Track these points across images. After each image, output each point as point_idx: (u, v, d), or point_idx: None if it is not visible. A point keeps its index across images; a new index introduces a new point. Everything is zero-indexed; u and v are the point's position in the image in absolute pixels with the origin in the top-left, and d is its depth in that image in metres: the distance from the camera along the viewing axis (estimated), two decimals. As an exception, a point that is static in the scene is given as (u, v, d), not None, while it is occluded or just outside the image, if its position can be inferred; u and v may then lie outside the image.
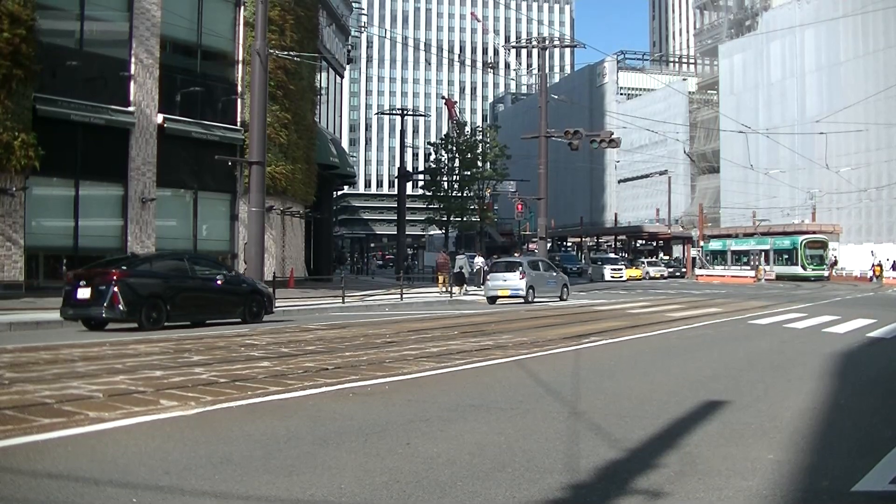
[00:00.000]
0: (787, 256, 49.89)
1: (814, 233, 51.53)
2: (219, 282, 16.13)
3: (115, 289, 13.80)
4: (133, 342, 11.31)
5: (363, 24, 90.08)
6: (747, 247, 54.26)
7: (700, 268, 57.26)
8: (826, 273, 49.03)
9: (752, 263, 51.88)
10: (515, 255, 37.53)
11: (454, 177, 54.82)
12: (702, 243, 58.68)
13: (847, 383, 8.44)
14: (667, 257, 64.73)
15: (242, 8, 26.45)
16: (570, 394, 7.46)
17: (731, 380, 8.56)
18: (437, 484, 4.47)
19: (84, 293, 14.05)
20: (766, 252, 51.48)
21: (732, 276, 52.24)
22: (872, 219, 53.26)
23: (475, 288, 32.83)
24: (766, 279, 49.89)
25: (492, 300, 25.18)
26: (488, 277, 26.56)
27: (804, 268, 48.67)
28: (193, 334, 12.83)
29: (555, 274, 27.38)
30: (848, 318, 16.77)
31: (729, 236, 57.94)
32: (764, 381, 8.44)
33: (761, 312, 19.08)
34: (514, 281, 24.88)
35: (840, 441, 5.75)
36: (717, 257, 56.81)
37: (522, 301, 24.42)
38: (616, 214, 79.71)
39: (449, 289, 28.11)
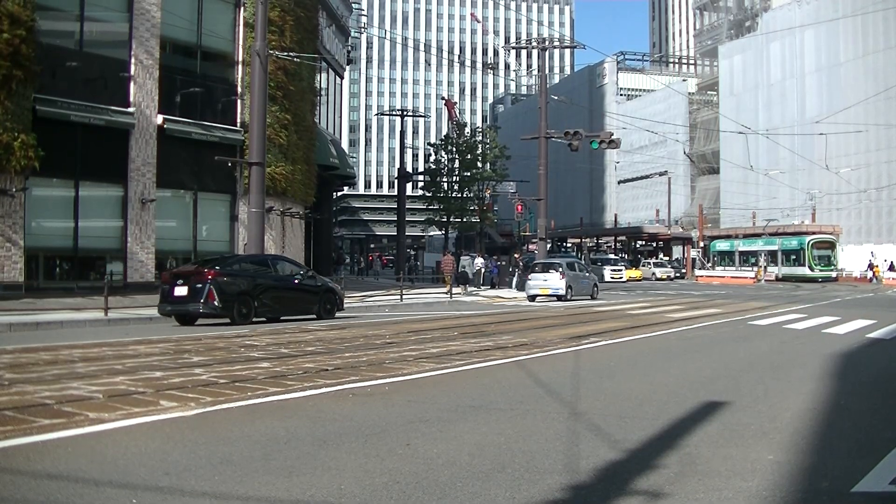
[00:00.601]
0: (794, 257, 49.33)
1: (817, 233, 51.31)
2: (296, 281, 17.73)
3: (211, 287, 15.36)
4: (133, 343, 11.32)
5: (363, 25, 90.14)
6: (755, 247, 53.69)
7: (700, 268, 57.19)
8: (834, 274, 48.27)
9: (760, 264, 51.40)
10: (544, 256, 39.35)
11: (454, 177, 54.78)
12: (702, 243, 58.66)
13: (847, 384, 8.44)
14: (666, 258, 64.65)
15: (242, 9, 26.45)
16: (569, 394, 7.46)
17: (730, 380, 8.57)
18: (437, 485, 4.47)
19: (181, 291, 15.59)
20: (774, 252, 51.01)
21: (732, 277, 52.21)
22: (872, 220, 53.23)
23: (474, 288, 32.88)
24: (765, 280, 49.88)
25: (532, 298, 26.59)
26: (529, 277, 27.53)
27: (811, 268, 47.95)
28: (193, 335, 12.84)
29: (587, 274, 29.03)
30: (848, 319, 16.77)
31: (735, 237, 57.31)
32: (764, 381, 8.44)
33: (761, 313, 19.08)
34: (554, 281, 26.29)
35: (840, 442, 5.75)
36: (725, 258, 56.28)
37: (560, 300, 25.97)
38: (616, 215, 79.71)
39: (449, 289, 28.20)
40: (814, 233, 51.11)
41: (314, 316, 17.35)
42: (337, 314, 17.86)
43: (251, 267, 17.39)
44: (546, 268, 27.06)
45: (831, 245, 49.32)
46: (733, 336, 13.78)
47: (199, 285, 15.43)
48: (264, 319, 16.34)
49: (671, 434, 5.84)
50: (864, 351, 11.67)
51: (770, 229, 54.57)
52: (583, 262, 31.88)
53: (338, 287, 19.42)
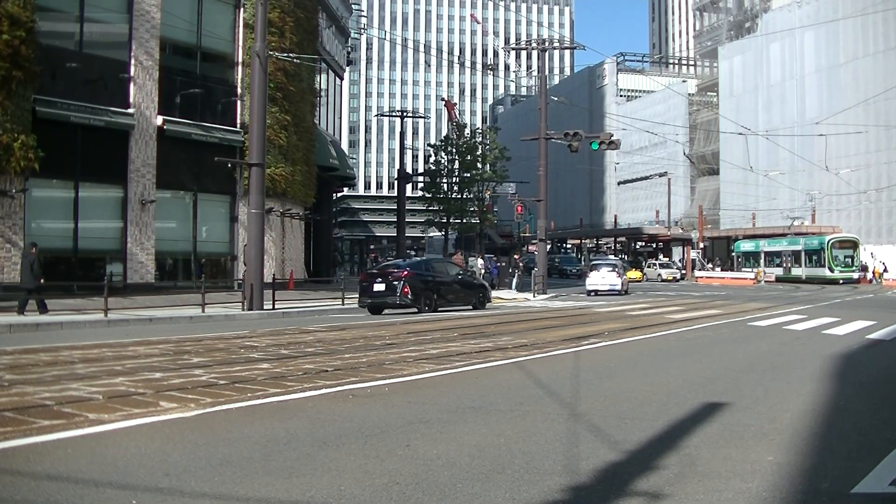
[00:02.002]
0: (815, 258, 47.35)
1: (813, 231, 51.10)
2: (459, 278, 22.33)
3: (406, 283, 19.31)
4: (132, 344, 11.32)
5: (363, 26, 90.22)
6: (779, 248, 51.81)
7: (700, 269, 57.12)
8: (856, 275, 46.13)
9: (783, 265, 49.91)
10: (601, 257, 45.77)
11: (454, 178, 54.79)
12: (702, 244, 58.53)
13: (847, 385, 8.44)
14: (666, 259, 64.61)
15: (242, 10, 26.48)
16: (569, 395, 7.46)
17: (730, 381, 8.56)
18: (437, 486, 4.47)
19: (380, 287, 19.55)
20: (797, 253, 49.30)
21: (732, 278, 52.13)
22: (872, 220, 53.22)
23: None
24: (765, 281, 49.85)
25: (590, 293, 31.24)
26: (589, 275, 33.08)
27: (831, 269, 45.97)
28: (193, 336, 12.83)
29: (623, 273, 34.56)
30: (847, 320, 16.76)
31: (758, 237, 55.79)
32: (763, 382, 8.44)
33: (761, 314, 19.08)
34: (612, 278, 31.80)
35: (840, 443, 5.75)
36: (750, 258, 54.53)
37: (618, 294, 30.66)
38: (616, 216, 79.74)
39: None
40: (814, 233, 50.49)
41: (471, 307, 21.49)
42: (486, 306, 22.10)
43: (430, 267, 21.75)
44: (609, 267, 33.48)
45: (853, 244, 47.13)
46: (733, 337, 13.77)
47: (396, 282, 19.37)
48: (427, 308, 19.95)
49: (671, 435, 5.84)
50: (864, 352, 11.67)
51: (795, 229, 53.35)
52: (620, 262, 39.56)
53: (486, 284, 24.50)
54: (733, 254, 57.21)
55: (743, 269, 54.07)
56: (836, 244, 46.67)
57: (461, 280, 22.33)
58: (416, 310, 19.58)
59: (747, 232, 58.91)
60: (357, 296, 20.73)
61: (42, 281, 16.91)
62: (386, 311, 19.89)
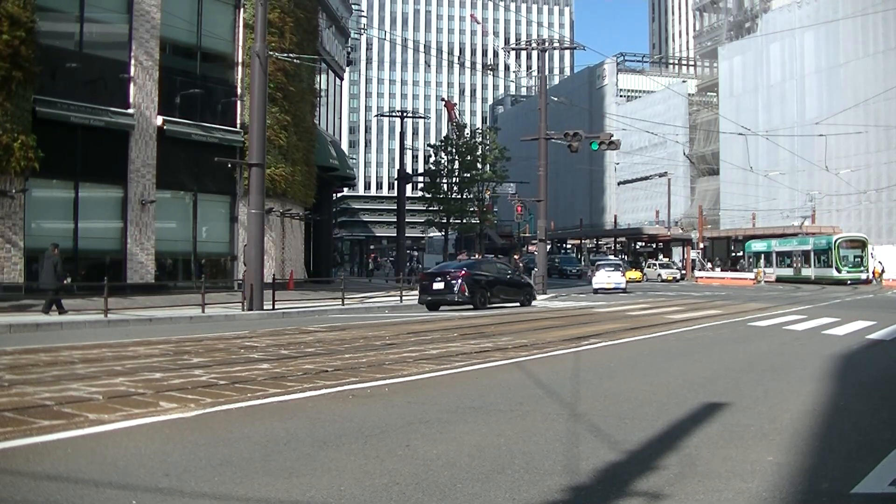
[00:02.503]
0: (824, 258, 46.16)
1: (813, 230, 50.91)
2: (508, 277, 24.32)
3: (463, 282, 21.29)
4: (132, 344, 11.32)
5: (363, 27, 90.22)
6: (790, 248, 50.54)
7: (700, 269, 57.09)
8: (864, 275, 44.66)
9: (794, 265, 48.86)
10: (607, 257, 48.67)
11: (454, 179, 54.78)
12: (701, 244, 58.49)
13: (847, 385, 8.44)
14: (666, 259, 64.59)
15: (242, 10, 26.47)
16: (569, 396, 7.46)
17: (730, 381, 8.57)
18: (437, 486, 4.47)
19: (439, 286, 21.60)
20: (807, 253, 48.06)
21: (732, 279, 52.11)
22: (872, 221, 53.17)
23: None
24: (765, 281, 49.82)
25: (596, 291, 33.25)
26: (595, 275, 35.65)
27: (838, 270, 44.71)
28: (193, 336, 12.83)
29: (624, 272, 37.68)
30: (847, 320, 16.76)
31: (768, 237, 54.70)
32: (763, 382, 8.44)
33: (761, 314, 19.07)
34: (616, 277, 34.38)
35: (840, 443, 5.75)
36: (761, 258, 53.07)
37: (622, 292, 33.06)
38: (616, 216, 79.73)
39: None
40: (816, 232, 50.10)
41: (518, 304, 23.11)
42: (532, 304, 23.59)
43: (483, 267, 23.99)
44: (612, 267, 36.51)
45: (861, 244, 45.87)
46: (733, 337, 13.77)
47: (454, 281, 21.37)
48: (480, 305, 21.66)
49: (671, 435, 5.84)
50: (864, 352, 11.66)
51: (796, 229, 52.86)
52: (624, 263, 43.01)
53: (531, 282, 26.44)
54: (744, 254, 56.02)
55: (754, 270, 52.79)
56: (843, 244, 45.51)
57: (510, 279, 24.37)
58: (471, 306, 21.32)
59: (747, 232, 58.86)
60: (416, 293, 23.18)
61: (65, 281, 17.12)
62: (442, 307, 21.81)
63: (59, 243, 21.49)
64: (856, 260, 44.99)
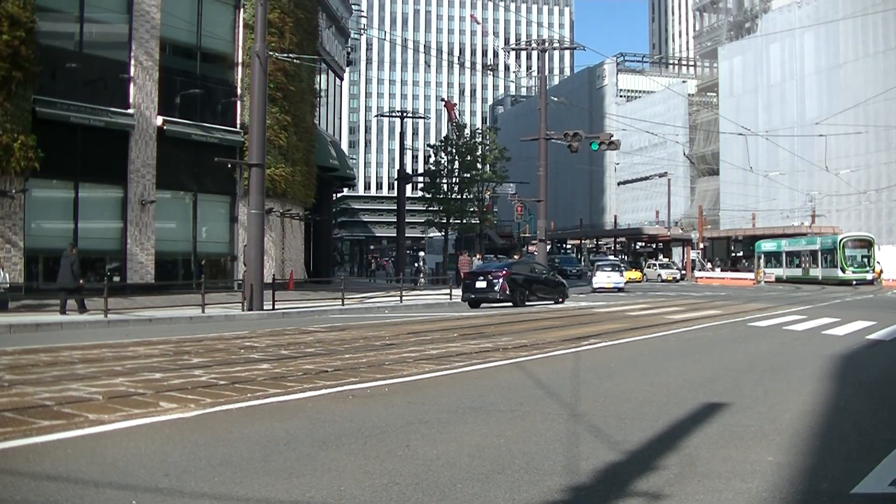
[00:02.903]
0: (830, 258, 45.39)
1: (808, 229, 50.73)
2: (544, 277, 25.65)
3: (504, 281, 22.83)
4: (132, 344, 11.32)
5: (363, 27, 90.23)
6: (798, 247, 49.68)
7: (700, 270, 57.08)
8: (870, 276, 43.69)
9: (802, 265, 48.12)
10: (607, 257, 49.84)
11: (454, 179, 54.69)
12: (702, 244, 58.47)
13: (847, 385, 8.44)
14: (666, 259, 64.59)
15: (242, 10, 26.48)
16: (569, 396, 7.46)
17: (730, 382, 8.56)
18: (437, 486, 4.47)
19: (482, 284, 23.15)
20: (815, 253, 47.27)
21: (732, 279, 52.08)
22: (872, 221, 53.18)
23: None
24: (765, 281, 49.81)
25: (595, 291, 34.71)
26: (595, 275, 36.84)
27: (843, 270, 43.78)
28: (193, 336, 12.83)
29: (623, 272, 39.37)
30: (847, 321, 16.75)
31: (773, 236, 53.99)
32: (763, 383, 8.44)
33: (761, 315, 19.07)
34: (615, 277, 36.17)
35: (840, 443, 5.75)
36: (772, 259, 52.20)
37: (619, 291, 34.53)
38: (616, 217, 79.76)
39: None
40: (816, 232, 49.84)
41: (553, 301, 24.48)
42: (566, 302, 24.83)
43: (521, 267, 25.58)
44: (612, 267, 37.77)
45: (868, 244, 44.82)
46: (733, 337, 13.77)
47: (496, 280, 22.87)
48: (520, 303, 23.00)
49: (671, 435, 5.84)
50: (864, 352, 11.66)
51: (795, 229, 52.66)
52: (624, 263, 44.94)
53: (564, 282, 27.50)
54: (753, 254, 55.10)
55: (765, 270, 52.10)
56: (848, 243, 44.64)
57: (546, 279, 25.65)
58: (511, 304, 22.75)
59: (747, 232, 58.86)
60: (461, 291, 24.77)
61: (82, 281, 17.22)
62: (483, 304, 23.37)
63: (59, 243, 21.57)
64: (862, 260, 44.13)
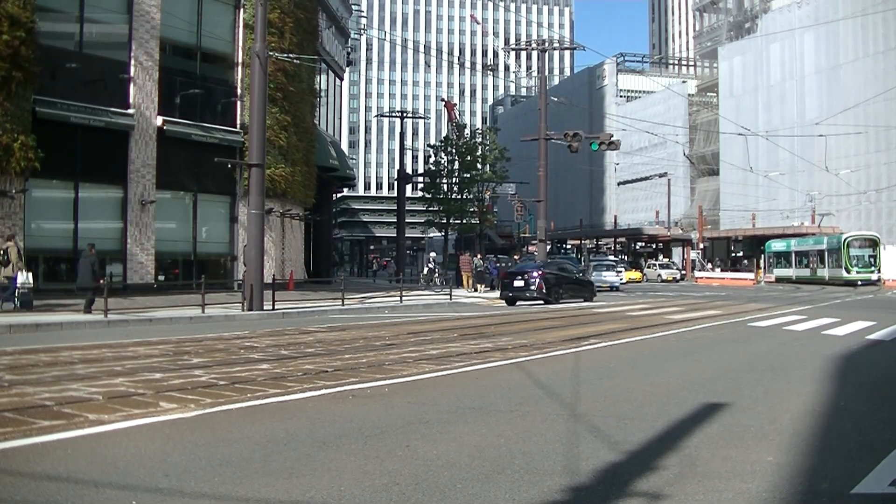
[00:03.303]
0: (835, 257, 44.24)
1: (808, 228, 50.62)
2: (575, 277, 27.33)
3: (541, 280, 24.63)
4: (132, 344, 11.32)
5: (363, 27, 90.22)
6: (806, 247, 48.68)
7: (700, 270, 57.05)
8: (875, 276, 42.41)
9: (810, 265, 47.35)
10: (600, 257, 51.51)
11: (454, 179, 54.70)
12: (701, 245, 58.42)
13: (847, 385, 8.44)
14: (666, 259, 64.57)
15: (242, 10, 26.47)
16: (569, 396, 7.46)
17: (730, 382, 8.57)
18: (437, 486, 4.47)
19: (519, 283, 24.94)
20: (822, 252, 46.05)
21: (732, 279, 52.04)
22: (872, 221, 53.14)
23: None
24: (765, 281, 49.79)
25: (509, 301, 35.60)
26: (593, 273, 36.80)
27: (847, 270, 42.55)
28: (193, 337, 12.82)
29: (622, 271, 42.16)
30: (847, 321, 16.76)
31: (786, 237, 52.80)
32: (763, 383, 8.44)
33: (761, 315, 19.08)
34: (610, 276, 37.55)
35: (840, 443, 5.75)
36: (782, 259, 51.29)
37: (615, 290, 35.50)
38: (616, 217, 79.75)
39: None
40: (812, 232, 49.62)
41: (582, 300, 25.82)
42: (593, 300, 26.26)
43: (554, 267, 26.96)
44: (606, 267, 39.24)
45: (873, 243, 43.56)
46: (733, 337, 13.77)
47: (532, 280, 24.71)
48: (553, 301, 24.67)
49: (671, 435, 5.85)
50: (864, 352, 11.67)
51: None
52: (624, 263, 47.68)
53: (592, 281, 29.37)
54: (764, 254, 54.13)
55: (774, 270, 51.41)
56: (852, 243, 43.46)
57: (576, 279, 27.35)
58: (543, 301, 24.52)
59: (747, 232, 58.86)
60: (500, 290, 26.51)
61: (101, 281, 17.36)
62: (519, 302, 25.15)
63: (59, 244, 21.64)
64: (869, 259, 43.00)
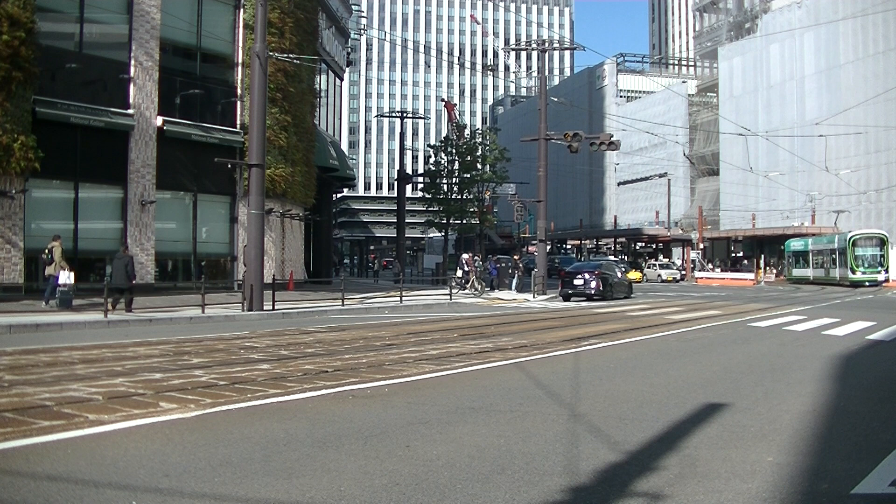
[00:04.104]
0: (844, 257, 42.73)
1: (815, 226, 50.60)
2: (618, 276, 29.96)
3: (598, 279, 27.43)
4: (132, 345, 11.31)
5: (363, 27, 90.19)
6: (821, 246, 47.09)
7: (700, 270, 57.04)
8: (882, 277, 40.62)
9: (823, 265, 46.30)
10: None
11: (454, 179, 54.71)
12: (701, 245, 58.42)
13: (846, 386, 8.44)
14: (666, 259, 64.57)
15: (242, 10, 26.46)
16: (569, 396, 7.46)
17: (730, 382, 8.57)
18: (437, 486, 4.47)
19: (579, 282, 27.62)
20: (834, 251, 44.66)
21: (732, 279, 52.02)
22: (872, 221, 53.12)
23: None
24: (765, 282, 49.77)
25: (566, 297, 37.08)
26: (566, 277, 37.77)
27: (853, 270, 40.82)
28: (193, 337, 12.83)
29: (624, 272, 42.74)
30: (847, 321, 16.77)
31: (806, 236, 51.40)
32: (763, 383, 8.44)
33: (761, 315, 19.08)
34: (580, 283, 39.08)
35: (839, 444, 5.75)
36: (800, 259, 49.33)
37: (592, 299, 36.89)
38: (616, 217, 79.78)
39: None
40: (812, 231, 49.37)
41: (623, 297, 28.67)
42: (630, 297, 29.12)
43: (606, 269, 29.40)
44: (579, 271, 40.67)
45: (880, 242, 41.50)
46: (733, 338, 13.77)
47: (591, 279, 27.45)
48: (604, 298, 27.22)
49: (671, 436, 5.84)
50: (864, 353, 11.67)
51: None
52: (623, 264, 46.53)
53: (630, 281, 32.05)
54: (783, 253, 52.85)
55: (794, 271, 49.48)
56: (857, 241, 41.60)
57: (621, 278, 30.15)
58: (599, 298, 27.09)
59: (747, 233, 58.88)
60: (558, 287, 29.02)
61: (133, 281, 18.06)
62: (574, 298, 27.77)
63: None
64: (879, 258, 41.07)
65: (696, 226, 60.00)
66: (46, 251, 18.34)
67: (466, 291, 30.41)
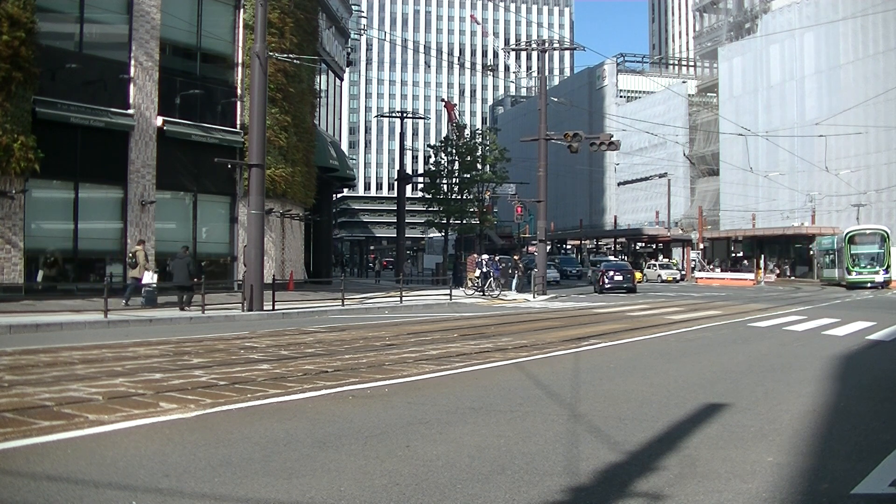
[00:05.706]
0: (838, 256, 41.05)
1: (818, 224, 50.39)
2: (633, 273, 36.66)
3: (632, 275, 34.81)
4: (132, 345, 11.31)
5: (363, 27, 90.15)
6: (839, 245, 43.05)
7: (700, 270, 57.02)
8: (881, 277, 37.90)
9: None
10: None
11: (454, 179, 54.66)
12: (701, 245, 58.42)
13: (846, 386, 8.44)
14: (666, 259, 64.53)
15: (242, 11, 26.46)
16: (569, 396, 7.46)
17: (730, 382, 8.56)
18: (437, 486, 4.47)
19: (619, 277, 34.26)
20: (833, 250, 42.87)
21: (732, 279, 52.00)
22: (872, 221, 53.01)
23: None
24: (765, 282, 49.76)
25: (601, 291, 37.59)
26: (604, 275, 37.24)
27: (848, 270, 38.46)
28: (192, 337, 12.82)
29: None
30: (847, 321, 16.77)
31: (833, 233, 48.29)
32: (763, 383, 8.44)
33: (761, 315, 19.08)
34: (619, 278, 39.51)
35: (839, 444, 5.75)
36: (829, 255, 45.09)
37: (626, 292, 36.21)
38: (616, 217, 79.76)
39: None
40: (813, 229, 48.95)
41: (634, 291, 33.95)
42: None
43: (630, 267, 37.03)
44: (617, 268, 40.35)
45: (880, 238, 38.72)
46: (733, 338, 13.77)
47: (628, 275, 34.73)
48: (631, 291, 33.52)
49: (671, 436, 5.84)
50: (864, 353, 11.67)
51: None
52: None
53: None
54: (812, 252, 50.50)
55: (825, 271, 45.67)
56: (853, 238, 39.05)
57: (633, 275, 36.44)
58: (629, 291, 33.02)
59: (747, 233, 58.87)
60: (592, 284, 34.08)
61: (196, 280, 19.04)
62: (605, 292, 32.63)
63: (59, 244, 21.63)
64: (867, 258, 38.73)
65: (696, 226, 59.99)
66: (130, 255, 19.80)
67: (494, 293, 29.64)
